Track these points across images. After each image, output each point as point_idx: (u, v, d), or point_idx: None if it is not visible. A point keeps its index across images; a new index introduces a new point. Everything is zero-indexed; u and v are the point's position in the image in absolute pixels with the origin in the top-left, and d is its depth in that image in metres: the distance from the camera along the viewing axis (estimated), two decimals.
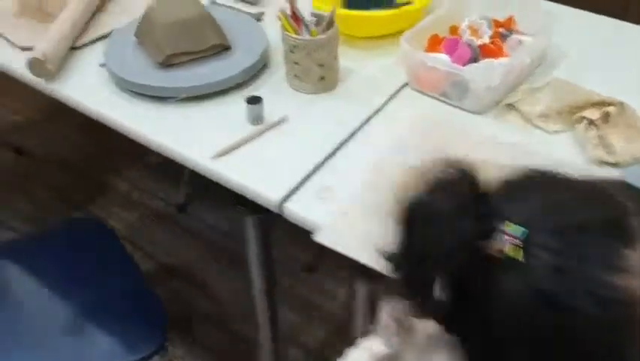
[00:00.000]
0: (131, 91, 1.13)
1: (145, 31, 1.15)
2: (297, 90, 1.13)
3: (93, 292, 1.26)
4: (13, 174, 2.24)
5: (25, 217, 2.07)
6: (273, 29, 1.20)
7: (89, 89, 1.16)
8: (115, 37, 1.21)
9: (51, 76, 1.16)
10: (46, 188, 2.18)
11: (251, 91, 1.13)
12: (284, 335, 1.54)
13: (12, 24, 1.31)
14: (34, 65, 1.13)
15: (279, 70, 1.18)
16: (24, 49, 1.24)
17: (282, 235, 1.30)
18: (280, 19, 1.09)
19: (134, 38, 1.20)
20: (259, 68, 1.16)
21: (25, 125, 2.44)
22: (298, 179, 0.97)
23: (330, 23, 1.09)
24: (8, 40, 1.27)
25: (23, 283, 1.29)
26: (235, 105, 1.10)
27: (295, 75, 1.11)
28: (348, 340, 0.75)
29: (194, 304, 1.80)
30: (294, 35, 1.07)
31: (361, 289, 1.03)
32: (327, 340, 1.73)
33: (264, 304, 1.32)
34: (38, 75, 1.15)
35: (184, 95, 1.10)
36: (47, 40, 1.17)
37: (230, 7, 1.35)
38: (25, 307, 1.24)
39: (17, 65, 1.22)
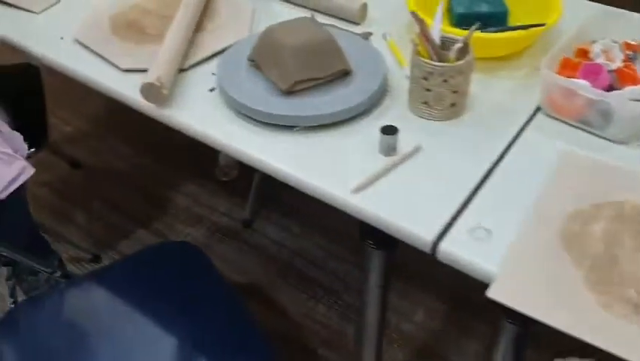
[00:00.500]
0: (247, 116, 1.08)
1: (265, 54, 1.09)
2: (422, 117, 1.08)
3: (194, 323, 1.21)
4: (69, 186, 2.19)
5: (85, 232, 2.03)
6: (381, 50, 1.18)
7: (202, 114, 1.10)
8: (226, 60, 1.16)
9: (165, 101, 1.10)
10: (104, 201, 2.13)
11: (374, 118, 1.08)
12: None
13: (107, 44, 1.25)
14: (149, 91, 1.08)
15: (398, 95, 1.13)
16: (127, 71, 1.19)
17: None
18: (414, 43, 1.03)
19: (246, 61, 1.15)
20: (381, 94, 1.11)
21: (78, 137, 2.38)
22: (446, 216, 0.91)
23: (465, 47, 1.04)
24: (109, 62, 1.22)
25: (118, 315, 1.24)
26: (360, 134, 1.05)
27: (424, 102, 1.05)
28: None
29: (271, 326, 1.75)
30: (430, 62, 1.01)
31: (509, 331, 0.97)
32: None
33: (374, 343, 1.27)
34: (153, 101, 1.10)
35: (308, 125, 1.05)
36: (159, 63, 1.12)
37: (333, 26, 1.30)
38: (121, 339, 1.19)
39: (121, 87, 1.17)
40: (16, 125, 1.54)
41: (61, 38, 1.30)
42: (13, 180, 1.17)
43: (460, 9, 1.26)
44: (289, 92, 1.08)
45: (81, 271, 1.90)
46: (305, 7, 1.37)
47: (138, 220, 2.06)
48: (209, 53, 1.22)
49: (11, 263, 1.36)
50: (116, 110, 2.22)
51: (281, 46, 1.06)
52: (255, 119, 1.08)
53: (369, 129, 1.06)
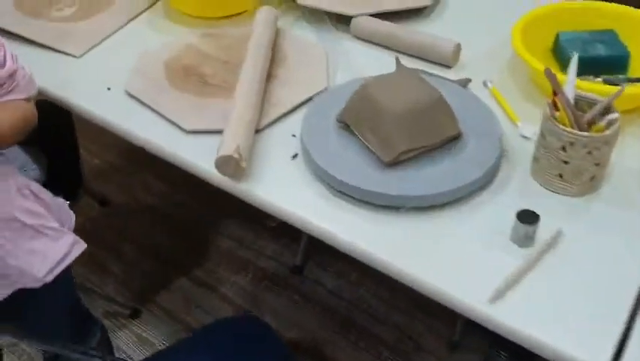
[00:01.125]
0: (340, 192, 0.90)
1: (361, 117, 0.91)
2: (553, 191, 0.90)
3: None
4: (98, 228, 2.01)
5: (119, 282, 1.85)
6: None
7: (285, 189, 0.92)
8: (310, 121, 0.98)
9: (242, 175, 0.93)
10: (137, 245, 1.96)
11: (492, 193, 0.90)
12: None
13: (163, 96, 1.08)
14: (227, 164, 0.90)
15: (516, 160, 0.95)
16: (192, 132, 1.01)
17: None
18: (549, 105, 0.85)
19: (333, 122, 0.97)
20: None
21: (107, 171, 2.21)
22: (614, 335, 0.73)
23: (608, 110, 0.85)
24: (169, 120, 1.04)
25: None
26: (480, 214, 0.87)
27: (559, 175, 0.87)
28: None
29: None
30: (572, 130, 0.83)
31: None
32: None
33: None
34: (229, 175, 0.92)
35: (417, 206, 0.87)
36: (234, 129, 0.94)
37: (422, 71, 1.11)
38: None
39: (185, 151, 0.99)
40: (51, 174, 1.37)
41: (108, 89, 1.12)
42: (62, 259, 0.99)
43: (572, 52, 1.07)
44: (391, 164, 0.89)
45: (119, 327, 1.72)
46: (386, 47, 1.19)
47: (177, 267, 1.88)
48: (285, 109, 1.04)
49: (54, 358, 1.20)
50: None
51: (383, 110, 0.88)
52: (349, 196, 0.90)
53: (490, 207, 0.88)
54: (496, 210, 0.87)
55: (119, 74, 1.15)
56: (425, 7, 1.27)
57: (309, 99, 1.07)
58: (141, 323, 1.74)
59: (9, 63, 0.96)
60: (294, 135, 1.01)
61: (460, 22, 1.26)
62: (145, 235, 1.98)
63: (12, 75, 0.96)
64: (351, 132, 0.95)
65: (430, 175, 0.88)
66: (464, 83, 1.08)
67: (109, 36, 1.25)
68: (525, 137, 0.98)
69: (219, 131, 1.00)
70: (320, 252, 1.89)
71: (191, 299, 1.79)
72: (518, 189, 0.91)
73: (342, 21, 1.25)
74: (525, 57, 1.02)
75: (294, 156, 0.97)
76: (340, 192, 0.90)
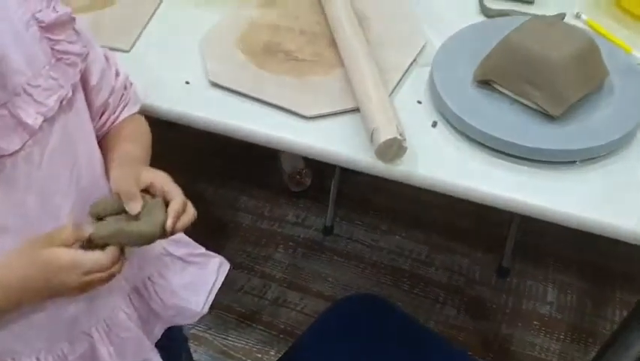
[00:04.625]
0: (503, 153, 0.86)
1: (513, 72, 0.86)
2: None
3: None
4: None
5: None
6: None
7: (444, 160, 0.87)
8: (442, 84, 0.92)
9: (402, 156, 0.86)
10: None
11: None
12: None
13: (261, 82, 0.97)
14: (390, 148, 0.83)
15: None
16: (313, 118, 0.92)
17: None
18: None
19: (468, 82, 0.92)
20: None
21: None
22: None
23: None
24: (280, 108, 0.94)
25: None
26: None
27: None
28: None
29: None
30: None
31: None
32: None
33: None
34: (390, 160, 0.85)
35: (590, 157, 0.85)
36: (378, 107, 0.86)
37: (512, 11, 1.07)
38: None
39: (314, 140, 0.90)
40: None
41: (187, 83, 0.99)
42: (213, 285, 0.89)
43: None
44: (551, 117, 0.86)
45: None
46: None
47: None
48: (399, 74, 0.97)
49: None
50: None
51: (544, 61, 0.84)
52: (515, 156, 0.86)
53: None
54: None
55: (186, 63, 1.01)
56: None
57: (414, 62, 1.00)
58: None
59: (122, 72, 0.82)
60: (419, 102, 0.95)
61: None
62: None
63: (126, 86, 0.83)
64: (492, 89, 0.90)
65: (597, 123, 0.86)
66: (561, 18, 1.05)
67: (148, 21, 1.10)
68: None
69: (340, 113, 0.93)
70: (345, 208, 1.85)
71: (231, 285, 1.70)
72: None
73: None
74: None
75: (434, 124, 0.91)
76: (503, 152, 0.86)
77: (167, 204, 0.70)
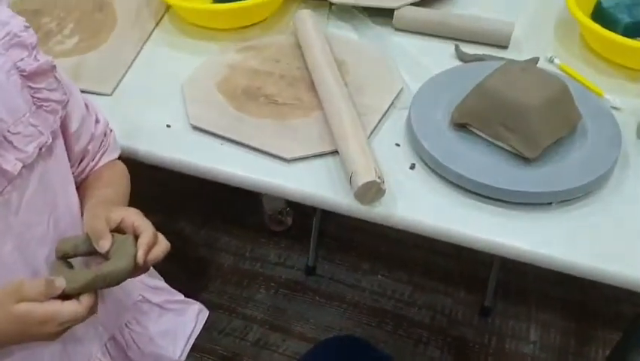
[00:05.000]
0: (480, 195, 0.88)
1: (489, 116, 0.88)
2: None
3: None
4: None
5: None
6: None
7: (419, 201, 0.88)
8: (419, 127, 0.93)
9: (381, 198, 0.87)
10: None
11: (626, 168, 0.91)
12: None
13: (240, 125, 0.98)
14: (369, 191, 0.84)
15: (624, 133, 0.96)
16: (293, 160, 0.93)
17: None
18: None
19: (444, 124, 0.93)
20: None
21: None
22: None
23: None
24: (261, 151, 0.95)
25: None
26: (624, 193, 0.88)
27: None
28: None
29: None
30: None
31: None
32: None
33: None
34: (369, 202, 0.86)
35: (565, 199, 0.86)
36: (356, 149, 0.87)
37: (487, 55, 1.10)
38: None
39: (294, 182, 0.91)
40: None
41: (168, 126, 1.00)
42: (191, 333, 0.88)
43: (625, 17, 1.11)
44: (526, 160, 0.88)
45: None
46: (433, 35, 1.16)
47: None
48: (378, 116, 0.99)
49: None
50: None
51: (519, 105, 0.86)
52: (492, 198, 0.87)
53: (630, 183, 0.89)
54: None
55: (167, 107, 1.03)
56: None
57: (392, 105, 1.02)
58: None
59: (102, 119, 0.83)
60: (397, 144, 0.96)
61: (482, 1, 1.25)
62: None
63: (106, 133, 0.83)
64: (469, 132, 0.92)
65: (572, 165, 0.87)
66: (534, 62, 1.08)
67: (130, 65, 1.11)
68: (617, 108, 1.00)
69: (320, 155, 0.94)
70: (327, 247, 1.85)
71: (212, 327, 1.68)
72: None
73: (374, 14, 1.20)
74: (595, 28, 1.04)
75: (412, 167, 0.93)
76: (480, 194, 0.87)
77: (138, 238, 0.69)
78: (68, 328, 0.65)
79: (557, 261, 0.82)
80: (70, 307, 0.64)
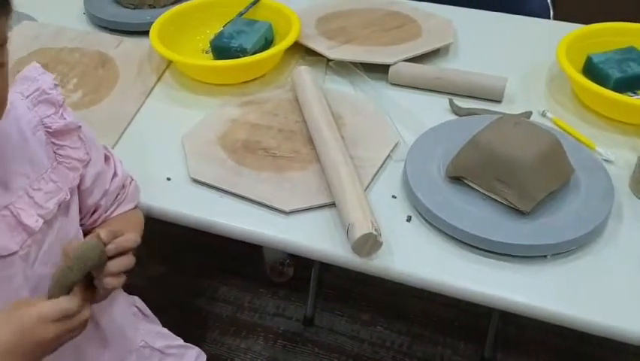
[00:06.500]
0: (475, 247, 0.89)
1: (483, 170, 0.90)
2: None
3: None
4: None
5: None
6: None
7: (416, 254, 0.89)
8: (415, 181, 0.95)
9: (378, 250, 0.88)
10: None
11: (620, 221, 0.92)
12: None
13: (239, 178, 0.99)
14: (366, 243, 0.85)
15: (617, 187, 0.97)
16: (291, 212, 0.94)
17: None
18: None
19: (438, 178, 0.95)
20: None
21: None
22: None
23: None
24: (262, 205, 0.96)
25: None
26: (619, 246, 0.89)
27: None
28: None
29: None
30: None
31: None
32: None
33: None
34: (368, 254, 0.87)
35: (561, 252, 0.87)
36: (354, 202, 0.89)
37: (482, 110, 1.13)
38: None
39: (294, 235, 0.92)
40: None
41: (168, 179, 1.02)
42: None
43: (615, 73, 1.14)
44: (521, 213, 0.89)
45: None
46: (427, 89, 1.19)
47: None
48: (374, 170, 1.01)
49: None
50: None
51: (513, 160, 0.88)
52: (487, 250, 0.88)
53: (624, 236, 0.90)
54: (633, 236, 0.90)
55: (167, 160, 1.04)
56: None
57: (388, 157, 1.04)
58: None
59: (120, 171, 0.84)
60: (394, 197, 0.98)
61: (475, 57, 1.29)
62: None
63: (124, 185, 0.85)
64: (464, 184, 0.94)
65: (566, 218, 0.89)
66: (527, 116, 1.11)
67: (132, 119, 1.14)
68: (609, 161, 1.02)
69: (317, 207, 0.95)
70: (326, 298, 1.84)
71: None
72: (634, 212, 0.94)
73: (370, 70, 1.23)
74: (586, 84, 1.07)
75: (409, 219, 0.94)
76: (476, 247, 0.88)
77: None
78: (66, 332, 0.64)
79: (553, 314, 0.83)
80: (59, 302, 0.62)
